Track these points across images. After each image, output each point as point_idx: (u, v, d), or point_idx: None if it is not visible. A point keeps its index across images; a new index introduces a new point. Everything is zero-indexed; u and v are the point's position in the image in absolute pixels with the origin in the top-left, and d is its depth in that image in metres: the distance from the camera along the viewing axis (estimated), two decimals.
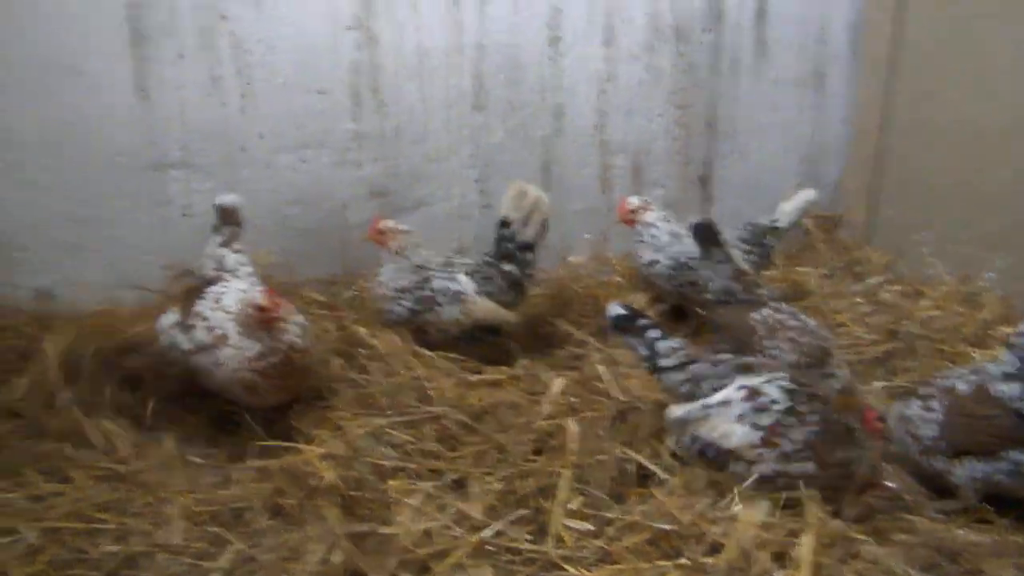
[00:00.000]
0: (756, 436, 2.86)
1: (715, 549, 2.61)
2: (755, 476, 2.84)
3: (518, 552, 2.62)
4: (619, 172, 4.97)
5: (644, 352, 3.17)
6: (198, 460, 3.37)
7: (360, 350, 3.83)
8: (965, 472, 2.98)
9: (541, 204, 4.05)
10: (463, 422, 3.26)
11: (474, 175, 4.71)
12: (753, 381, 2.98)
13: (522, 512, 2.74)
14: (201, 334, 3.38)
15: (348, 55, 4.36)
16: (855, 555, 2.67)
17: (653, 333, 3.18)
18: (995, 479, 2.93)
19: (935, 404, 3.06)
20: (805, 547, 2.59)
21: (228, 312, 3.36)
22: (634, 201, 4.38)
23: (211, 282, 3.65)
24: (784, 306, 3.66)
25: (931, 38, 4.70)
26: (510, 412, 3.30)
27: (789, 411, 2.87)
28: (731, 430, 2.90)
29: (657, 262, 4.29)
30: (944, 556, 2.74)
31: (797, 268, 4.97)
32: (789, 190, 5.26)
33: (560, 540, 2.64)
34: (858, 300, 4.63)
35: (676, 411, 3.04)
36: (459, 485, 2.96)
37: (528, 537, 2.67)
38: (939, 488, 3.13)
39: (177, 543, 2.78)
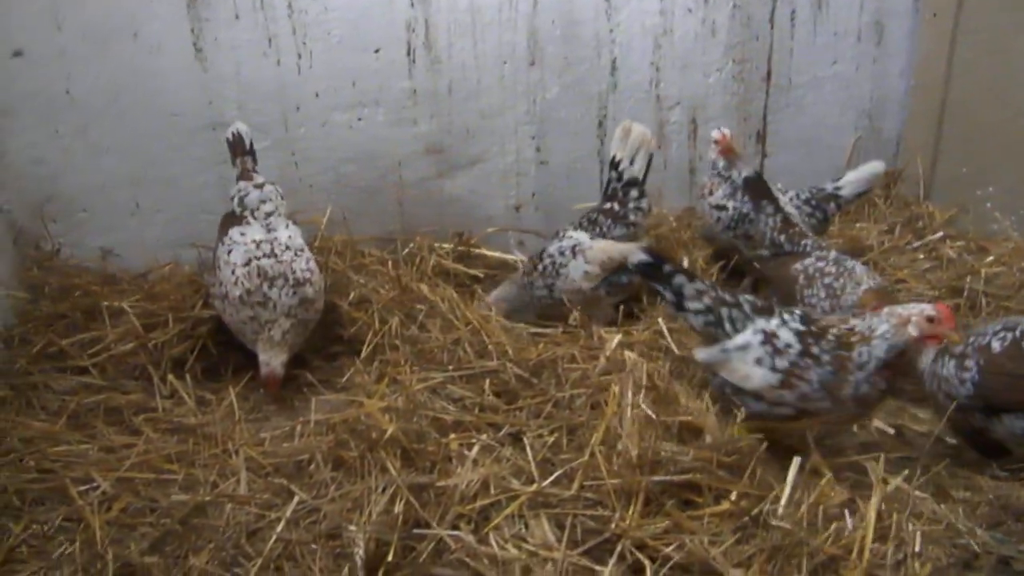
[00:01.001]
0: (775, 378, 2.97)
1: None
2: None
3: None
4: (675, 128, 4.91)
5: (670, 296, 3.24)
6: (260, 413, 3.47)
7: (418, 306, 3.86)
8: (1005, 428, 2.98)
9: (646, 139, 4.21)
10: (520, 376, 3.28)
11: (530, 131, 4.69)
12: (769, 325, 3.07)
13: (575, 464, 2.76)
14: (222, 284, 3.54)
15: (402, 13, 4.34)
16: (919, 514, 2.65)
17: (679, 278, 3.23)
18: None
19: (970, 363, 3.03)
20: (871, 506, 2.58)
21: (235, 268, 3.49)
22: (727, 131, 4.36)
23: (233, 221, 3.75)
24: (833, 253, 3.70)
25: None
26: (568, 366, 3.31)
27: (803, 353, 2.95)
28: (751, 372, 3.01)
29: (726, 208, 4.26)
30: (1009, 514, 2.73)
31: (856, 224, 4.89)
32: (848, 146, 5.23)
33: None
34: (919, 256, 4.55)
35: (700, 353, 3.15)
36: (516, 438, 2.99)
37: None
38: (981, 442, 3.14)
39: (243, 493, 2.87)
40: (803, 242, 3.82)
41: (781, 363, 2.96)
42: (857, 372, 2.89)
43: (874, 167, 4.39)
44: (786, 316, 3.09)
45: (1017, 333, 3.01)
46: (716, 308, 3.17)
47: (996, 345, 3.03)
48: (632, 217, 4.22)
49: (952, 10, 4.80)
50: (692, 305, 3.19)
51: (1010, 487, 2.88)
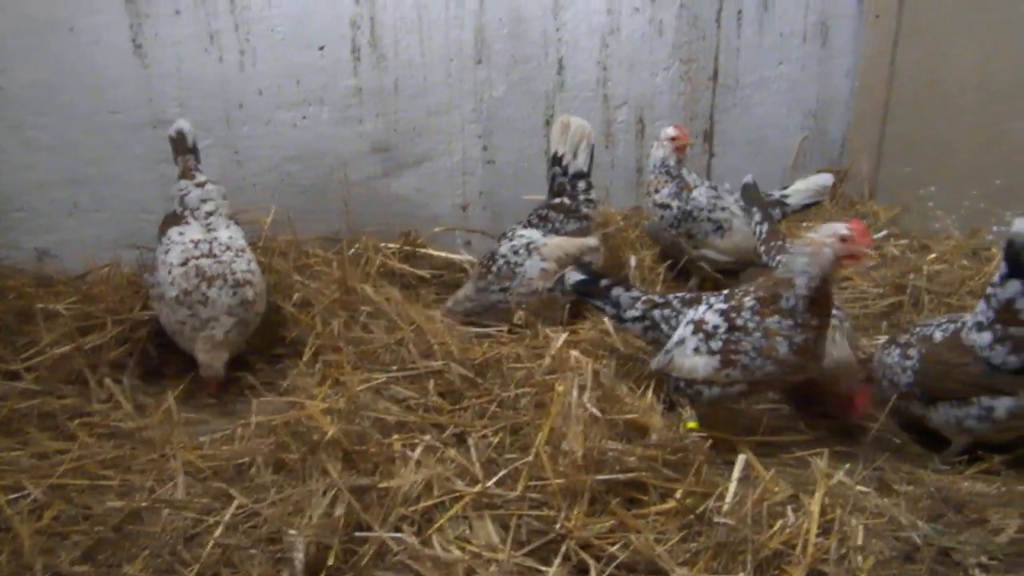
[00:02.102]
0: (716, 360, 3.02)
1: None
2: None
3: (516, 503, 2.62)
4: (622, 127, 4.92)
5: (610, 309, 3.35)
6: (199, 416, 3.40)
7: (363, 307, 3.81)
8: (939, 416, 3.08)
9: (586, 131, 4.21)
10: (465, 376, 3.25)
11: (477, 130, 4.66)
12: (696, 313, 3.14)
13: (520, 464, 2.73)
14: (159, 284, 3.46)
15: (347, 9, 4.29)
16: (862, 508, 2.67)
17: (616, 290, 3.34)
18: (966, 424, 3.01)
19: (913, 352, 3.15)
20: (814, 501, 2.59)
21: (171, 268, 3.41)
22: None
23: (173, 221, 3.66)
24: None
25: None
26: (513, 366, 3.28)
27: (730, 329, 3.01)
28: (694, 364, 3.06)
29: (670, 207, 4.25)
30: (950, 506, 2.77)
31: (803, 223, 4.93)
32: (794, 146, 5.28)
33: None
34: None
35: (652, 363, 3.22)
36: (460, 439, 2.95)
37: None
38: (921, 432, 3.24)
39: (180, 498, 2.79)
40: (778, 259, 3.69)
41: (715, 345, 3.02)
42: (786, 323, 2.92)
43: (823, 179, 4.40)
44: (712, 300, 3.15)
45: (958, 325, 3.10)
46: (650, 312, 3.26)
47: (938, 335, 3.14)
48: (584, 210, 4.21)
49: (894, 12, 4.87)
50: (630, 314, 3.29)
51: (950, 480, 2.92)
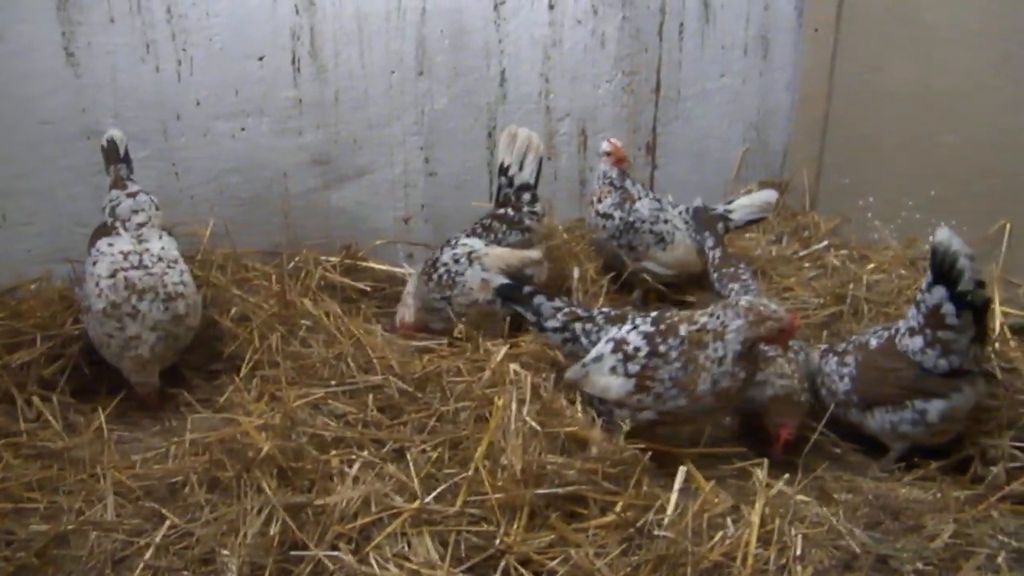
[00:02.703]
0: (630, 384, 2.99)
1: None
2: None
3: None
4: (565, 139, 4.91)
5: (531, 317, 3.34)
6: (133, 435, 3.32)
7: (303, 322, 3.76)
8: (876, 423, 3.16)
9: (533, 142, 4.18)
10: (404, 390, 3.21)
11: (418, 142, 4.62)
12: (620, 332, 3.10)
13: (459, 479, 2.70)
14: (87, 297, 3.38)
15: (287, 19, 4.23)
16: (802, 518, 2.68)
17: (538, 298, 3.33)
18: (901, 429, 3.08)
19: (850, 359, 3.24)
20: (754, 511, 2.60)
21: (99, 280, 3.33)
22: (620, 142, 4.34)
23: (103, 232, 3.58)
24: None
25: (875, 4, 4.68)
26: (453, 380, 3.25)
27: (651, 354, 2.98)
28: (608, 383, 3.04)
29: (612, 217, 4.25)
30: (887, 513, 2.80)
31: (746, 235, 4.96)
32: (736, 158, 5.32)
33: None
34: (805, 265, 4.65)
35: (568, 373, 3.19)
36: (400, 454, 2.91)
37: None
38: (854, 435, 3.30)
39: (110, 520, 2.72)
40: (730, 286, 3.74)
41: (633, 368, 3.00)
42: (714, 367, 2.90)
43: (767, 195, 4.44)
44: (638, 320, 3.13)
45: (892, 332, 3.18)
46: (571, 325, 3.24)
47: (874, 342, 3.23)
48: (527, 222, 4.19)
49: (832, 26, 4.93)
50: (550, 324, 3.28)
51: (889, 487, 2.96)
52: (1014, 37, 3.90)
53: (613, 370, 3.03)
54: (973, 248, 2.93)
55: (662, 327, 3.03)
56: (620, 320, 3.18)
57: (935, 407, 3.01)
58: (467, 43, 4.55)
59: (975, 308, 2.94)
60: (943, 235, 2.91)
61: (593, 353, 3.12)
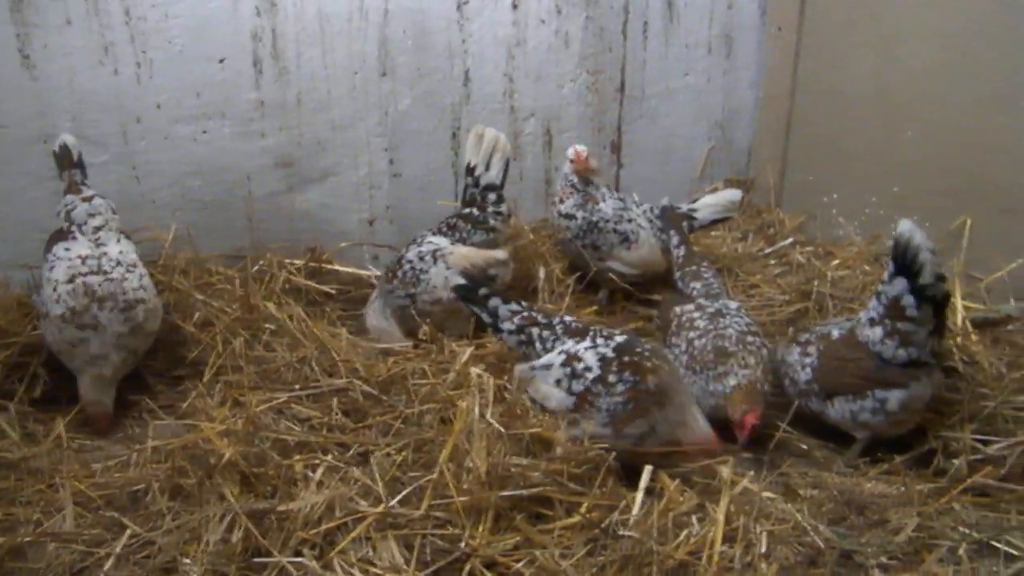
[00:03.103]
0: (570, 401, 2.98)
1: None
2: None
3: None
4: (530, 139, 4.90)
5: (487, 318, 3.34)
6: (94, 443, 3.27)
7: (267, 326, 3.72)
8: (837, 412, 3.20)
9: (499, 143, 4.16)
10: (369, 393, 3.19)
11: (383, 143, 4.59)
12: (576, 347, 3.09)
13: (424, 482, 2.68)
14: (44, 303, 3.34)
15: (247, 21, 4.18)
16: (767, 515, 2.69)
17: (494, 301, 3.33)
18: (861, 418, 3.13)
19: (812, 350, 3.29)
20: (719, 509, 2.60)
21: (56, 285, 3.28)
22: (583, 150, 4.28)
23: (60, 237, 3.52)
24: (715, 306, 3.53)
25: (838, 3, 4.71)
26: (417, 382, 3.23)
27: (598, 380, 2.96)
28: (550, 393, 3.04)
29: (574, 217, 4.24)
30: (852, 508, 2.82)
31: (712, 232, 4.97)
32: (701, 156, 5.34)
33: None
34: (770, 262, 4.67)
35: (516, 370, 3.19)
36: (364, 458, 2.89)
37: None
38: (821, 430, 3.32)
39: (69, 530, 2.67)
40: (692, 285, 3.74)
41: (576, 387, 2.99)
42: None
43: (732, 195, 4.46)
44: (599, 340, 3.11)
45: (854, 322, 3.24)
46: (527, 328, 3.24)
47: (835, 333, 3.29)
48: (492, 222, 4.16)
49: (795, 25, 4.95)
50: (506, 326, 3.27)
51: (854, 482, 2.98)
52: (974, 36, 3.94)
53: (558, 382, 3.03)
54: (935, 243, 2.96)
55: (625, 359, 2.99)
56: (579, 334, 3.17)
57: (895, 396, 3.06)
58: (430, 43, 4.52)
59: (935, 301, 2.98)
60: (905, 227, 2.95)
61: (544, 360, 3.11)
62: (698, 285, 3.72)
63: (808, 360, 3.27)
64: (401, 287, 3.86)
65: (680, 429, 2.92)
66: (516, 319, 3.26)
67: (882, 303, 3.07)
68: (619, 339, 3.11)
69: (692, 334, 3.37)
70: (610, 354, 3.02)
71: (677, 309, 3.56)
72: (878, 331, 3.08)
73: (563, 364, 3.04)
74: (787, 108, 5.11)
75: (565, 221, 4.25)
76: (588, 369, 2.99)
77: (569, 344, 3.12)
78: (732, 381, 3.17)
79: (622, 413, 2.90)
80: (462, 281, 3.42)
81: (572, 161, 4.23)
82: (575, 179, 4.24)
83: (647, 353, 3.04)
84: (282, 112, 4.36)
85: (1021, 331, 3.53)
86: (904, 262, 2.96)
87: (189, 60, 4.16)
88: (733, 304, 3.58)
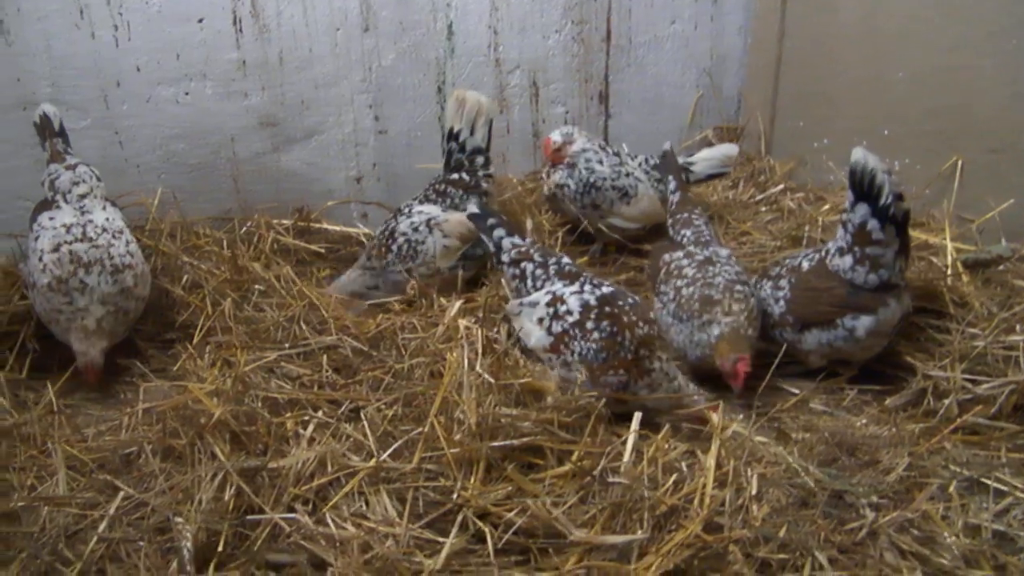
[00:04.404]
0: (547, 341, 3.04)
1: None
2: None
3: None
4: (516, 91, 4.84)
5: (491, 248, 3.47)
6: (85, 408, 3.26)
7: (256, 286, 3.71)
8: (810, 341, 3.26)
9: (483, 106, 4.10)
10: (359, 349, 3.18)
11: (367, 100, 4.55)
12: (563, 289, 3.13)
13: (415, 435, 2.68)
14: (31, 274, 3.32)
15: None
16: (759, 458, 2.70)
17: (499, 232, 3.44)
18: (835, 345, 3.20)
19: (783, 283, 3.34)
20: (710, 453, 2.60)
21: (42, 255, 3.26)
22: (557, 139, 4.28)
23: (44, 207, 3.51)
24: (704, 254, 3.48)
25: None
26: (407, 337, 3.22)
27: (576, 324, 2.99)
28: (531, 330, 3.10)
29: (567, 185, 4.23)
30: (843, 450, 2.82)
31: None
32: (690, 104, 5.29)
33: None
34: (762, 209, 4.65)
35: (507, 305, 3.27)
36: (355, 413, 2.89)
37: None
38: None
39: (62, 494, 2.68)
40: (683, 232, 3.68)
41: (556, 327, 3.02)
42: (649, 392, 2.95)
43: (728, 149, 4.47)
44: (588, 286, 3.13)
45: (822, 252, 3.28)
46: (523, 263, 3.30)
47: (805, 264, 3.33)
48: (484, 185, 4.14)
49: None
50: (504, 258, 3.37)
51: (845, 424, 2.98)
52: None
53: (540, 321, 3.07)
54: (888, 164, 3.03)
55: (607, 309, 3.00)
56: (570, 278, 3.19)
57: (863, 324, 3.12)
58: None
59: (896, 221, 3.02)
60: (859, 154, 3.00)
61: (532, 297, 3.15)
62: (688, 232, 3.68)
63: (780, 293, 3.32)
64: (398, 262, 3.82)
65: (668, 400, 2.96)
66: (514, 252, 3.34)
67: (848, 231, 3.12)
68: (605, 289, 3.10)
69: (680, 282, 3.35)
70: (592, 302, 3.03)
71: (666, 256, 3.53)
72: (847, 259, 3.14)
73: (548, 304, 3.08)
74: (776, 54, 5.05)
75: (559, 191, 4.24)
76: (569, 313, 3.02)
77: (558, 286, 3.15)
78: (715, 331, 3.15)
79: (595, 362, 2.92)
80: (476, 210, 3.57)
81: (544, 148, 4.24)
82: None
83: (628, 308, 3.04)
84: (264, 71, 4.32)
85: (1012, 271, 3.50)
86: (863, 187, 3.01)
87: (167, 20, 4.12)
88: (724, 251, 3.55)
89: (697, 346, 3.20)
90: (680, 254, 3.52)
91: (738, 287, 3.28)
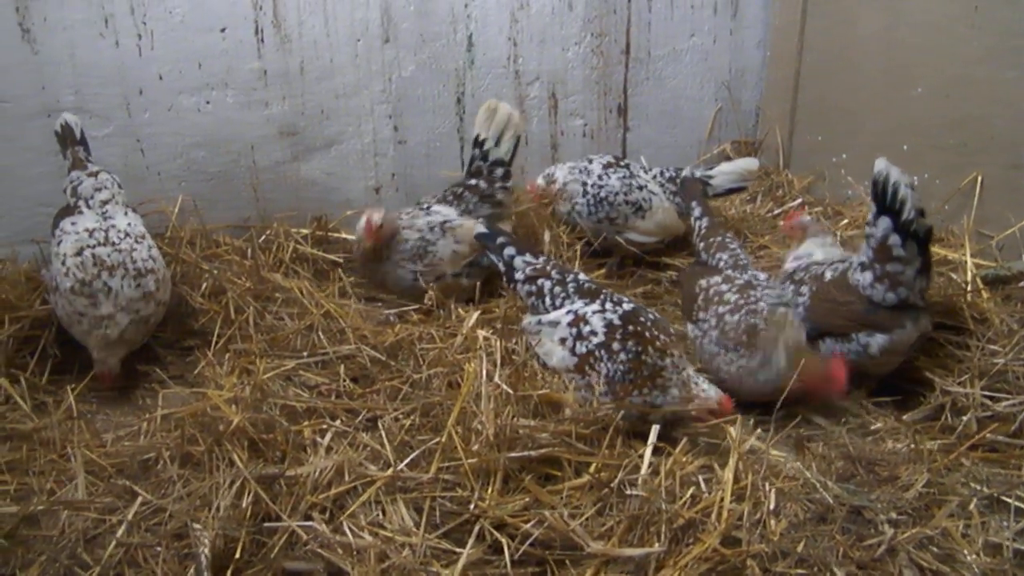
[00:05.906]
0: (572, 361, 2.99)
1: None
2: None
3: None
4: (535, 103, 4.86)
5: (502, 268, 3.44)
6: (104, 414, 3.29)
7: (276, 295, 3.73)
8: (825, 350, 3.25)
9: (513, 120, 4.13)
10: (377, 359, 3.19)
11: (387, 110, 4.57)
12: (585, 308, 3.10)
13: (432, 445, 2.69)
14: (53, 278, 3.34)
15: None
16: (777, 473, 2.69)
17: (509, 250, 3.44)
18: (849, 357, 3.17)
19: (805, 289, 3.34)
20: (728, 467, 2.60)
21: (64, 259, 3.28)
22: (541, 183, 4.33)
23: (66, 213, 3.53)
24: (744, 278, 3.38)
25: None
26: (425, 347, 3.23)
27: (602, 345, 2.96)
28: (552, 350, 3.06)
29: (578, 204, 4.25)
30: (862, 465, 2.81)
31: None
32: (709, 118, 5.29)
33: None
34: (779, 223, 4.63)
35: (524, 322, 3.23)
36: (373, 423, 2.90)
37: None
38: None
39: (81, 498, 2.69)
40: (719, 256, 3.58)
41: (580, 348, 2.99)
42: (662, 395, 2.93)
43: (748, 163, 4.46)
44: (609, 304, 3.10)
45: (846, 264, 3.27)
46: (540, 281, 3.29)
47: (828, 274, 3.32)
48: (499, 196, 4.15)
49: None
50: (519, 276, 3.35)
51: (863, 440, 2.96)
52: None
53: (563, 341, 3.04)
54: (911, 178, 3.00)
55: (631, 328, 2.98)
56: (590, 295, 3.18)
57: (877, 342, 3.12)
58: (433, 8, 4.49)
59: (919, 237, 3.00)
60: (881, 164, 2.98)
61: (552, 316, 3.12)
62: (724, 256, 3.56)
63: (801, 299, 3.32)
64: (409, 260, 3.82)
65: (684, 403, 2.93)
66: (529, 270, 3.32)
67: (871, 246, 3.11)
68: (627, 307, 3.10)
69: (722, 308, 3.25)
70: (616, 321, 3.01)
71: (703, 282, 3.41)
72: (868, 275, 3.12)
73: (570, 324, 3.05)
74: (794, 68, 5.05)
75: (574, 214, 4.28)
76: (594, 333, 2.99)
77: (579, 304, 3.13)
78: (781, 360, 3.06)
79: (622, 381, 2.90)
80: (484, 230, 3.56)
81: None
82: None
83: (650, 324, 3.03)
84: (285, 81, 4.35)
85: None
86: (885, 200, 2.99)
87: (190, 30, 4.15)
88: (762, 275, 3.45)
89: (766, 384, 3.10)
90: (718, 279, 3.39)
91: (780, 309, 3.20)
